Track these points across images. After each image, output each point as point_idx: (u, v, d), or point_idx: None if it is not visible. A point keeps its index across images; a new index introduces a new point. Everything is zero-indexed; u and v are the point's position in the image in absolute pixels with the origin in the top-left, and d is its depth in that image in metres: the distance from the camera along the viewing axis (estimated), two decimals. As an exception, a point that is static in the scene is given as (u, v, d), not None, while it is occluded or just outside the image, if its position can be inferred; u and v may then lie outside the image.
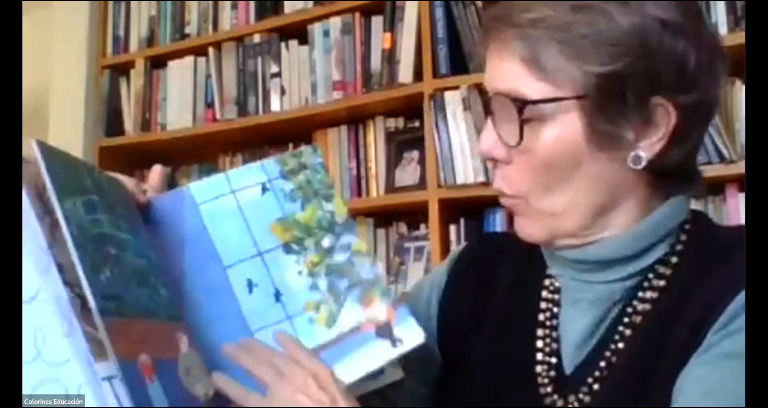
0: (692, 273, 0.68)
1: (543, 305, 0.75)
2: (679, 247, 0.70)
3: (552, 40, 0.64)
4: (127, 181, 0.72)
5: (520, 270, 0.80)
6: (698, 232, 0.71)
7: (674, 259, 0.70)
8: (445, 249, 1.99)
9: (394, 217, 2.21)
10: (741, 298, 0.61)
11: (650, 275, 0.69)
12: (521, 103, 0.65)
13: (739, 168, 1.64)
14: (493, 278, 0.81)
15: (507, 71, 0.67)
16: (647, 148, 0.66)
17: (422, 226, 2.15)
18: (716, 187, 1.75)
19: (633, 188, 0.69)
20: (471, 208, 2.01)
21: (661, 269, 0.69)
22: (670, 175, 0.70)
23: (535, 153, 0.67)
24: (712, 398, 0.59)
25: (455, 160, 1.95)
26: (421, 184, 2.05)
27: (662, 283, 0.69)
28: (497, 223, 1.97)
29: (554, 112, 0.66)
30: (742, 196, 1.71)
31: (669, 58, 0.64)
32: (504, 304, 0.79)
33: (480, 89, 0.76)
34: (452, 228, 2.01)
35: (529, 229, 0.71)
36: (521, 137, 0.66)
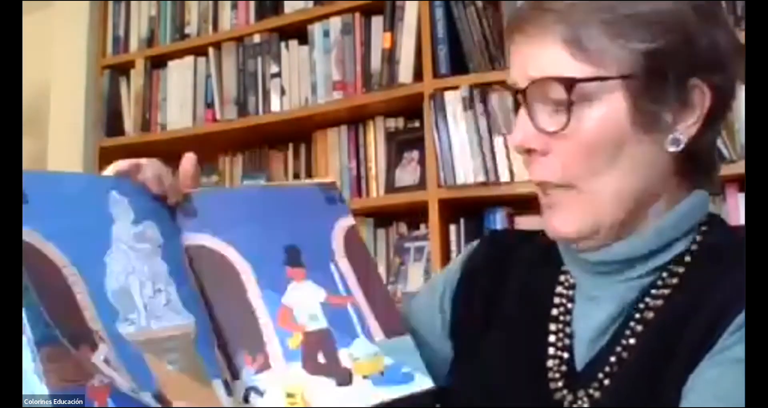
0: (705, 272, 0.68)
1: (557, 300, 0.75)
2: (693, 247, 0.71)
3: (594, 21, 0.65)
4: (150, 178, 0.70)
5: (533, 267, 0.80)
6: (712, 232, 0.72)
7: (687, 258, 0.70)
8: (445, 249, 1.99)
9: (394, 217, 2.21)
10: None
11: (664, 274, 0.70)
12: (570, 82, 0.65)
13: (739, 168, 1.64)
14: (506, 275, 0.82)
15: (548, 56, 0.67)
16: (684, 131, 0.68)
17: (422, 226, 2.15)
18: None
19: (666, 176, 0.70)
20: (471, 208, 2.01)
21: (674, 268, 0.70)
22: (696, 164, 0.71)
23: (580, 136, 0.67)
24: (722, 402, 0.59)
25: (455, 160, 1.95)
26: (421, 184, 2.05)
27: (675, 280, 0.69)
28: (497, 223, 1.97)
29: (600, 93, 0.66)
30: (742, 196, 1.71)
31: (704, 40, 0.67)
32: (517, 299, 0.79)
33: (499, 86, 0.75)
34: (452, 228, 2.01)
35: (568, 226, 0.70)
36: (569, 119, 0.66)
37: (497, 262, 0.83)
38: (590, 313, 0.72)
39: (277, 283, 0.74)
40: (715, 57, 0.68)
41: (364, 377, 0.71)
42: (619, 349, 0.69)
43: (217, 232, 0.74)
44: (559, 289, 0.76)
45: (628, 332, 0.69)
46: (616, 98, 0.66)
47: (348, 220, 0.82)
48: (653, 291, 0.70)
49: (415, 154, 2.11)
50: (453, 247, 1.99)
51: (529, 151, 0.70)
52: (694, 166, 0.71)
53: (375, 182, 2.17)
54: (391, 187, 2.13)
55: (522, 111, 0.69)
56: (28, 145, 2.51)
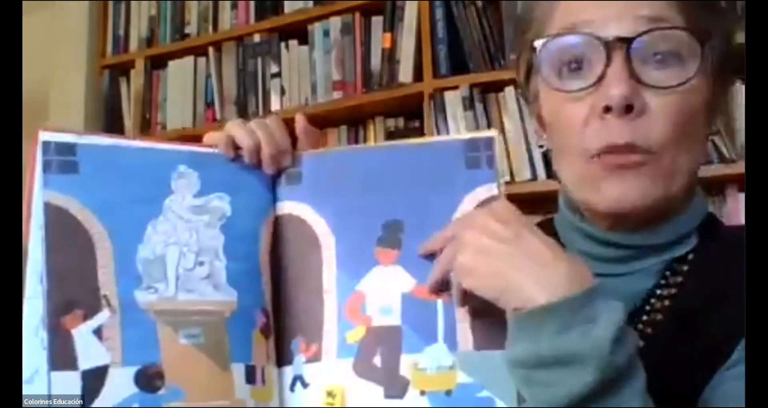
0: (713, 273, 0.67)
1: None
2: (696, 245, 0.70)
3: None
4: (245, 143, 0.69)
5: None
6: (711, 231, 0.72)
7: (690, 256, 0.70)
8: (445, 249, 1.99)
9: (394, 217, 2.21)
10: None
11: (668, 273, 0.69)
12: (706, 35, 0.64)
13: (739, 168, 1.64)
14: None
15: (657, 8, 0.65)
16: (718, 121, 0.70)
17: (422, 226, 2.14)
18: (716, 187, 1.75)
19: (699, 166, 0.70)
20: (471, 208, 2.01)
21: (679, 267, 0.69)
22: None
23: (687, 96, 0.64)
24: None
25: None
26: (421, 184, 2.05)
27: (680, 279, 0.69)
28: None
29: (706, 54, 0.65)
30: (742, 196, 1.71)
31: (734, 39, 0.69)
32: None
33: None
34: (452, 228, 2.01)
35: (636, 191, 0.65)
36: (695, 74, 0.63)
37: None
38: None
39: (359, 265, 0.66)
40: (736, 56, 0.69)
41: (422, 393, 0.62)
42: None
43: (314, 203, 0.69)
44: None
45: (637, 335, 0.68)
46: (707, 67, 0.66)
47: (488, 191, 0.66)
48: (659, 291, 0.69)
49: (415, 154, 2.10)
50: (453, 247, 1.99)
51: (627, 109, 0.63)
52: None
53: (375, 182, 2.17)
54: (391, 187, 2.12)
55: (620, 63, 0.63)
56: (29, 145, 2.51)
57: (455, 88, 1.98)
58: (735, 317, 0.62)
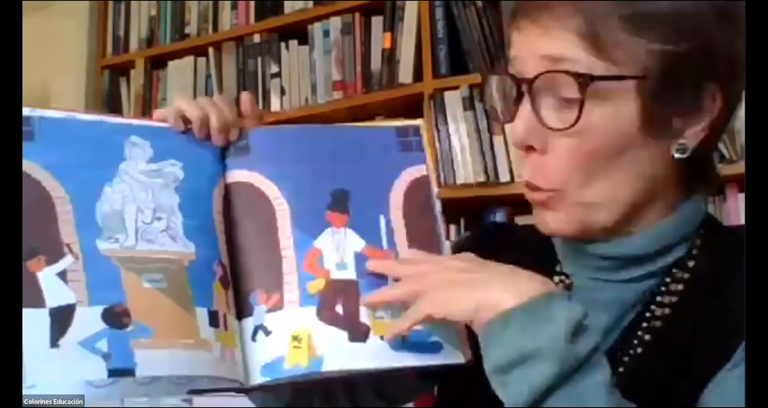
0: (712, 278, 0.67)
1: None
2: (695, 251, 0.70)
3: (613, 16, 0.62)
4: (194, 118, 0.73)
5: (525, 263, 0.79)
6: (712, 236, 0.71)
7: (691, 263, 0.69)
8: (445, 249, 1.99)
9: (394, 217, 2.21)
10: None
11: (667, 279, 0.69)
12: (586, 79, 0.61)
13: (739, 168, 1.64)
14: None
15: (562, 48, 0.63)
16: (692, 137, 0.66)
17: (422, 226, 2.14)
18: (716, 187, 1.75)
19: (667, 182, 0.68)
20: (471, 208, 2.01)
21: (679, 274, 0.69)
22: (697, 170, 0.70)
23: (585, 136, 0.63)
24: None
25: (455, 160, 1.95)
26: (421, 184, 2.05)
27: (680, 286, 0.68)
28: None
29: (612, 92, 0.63)
30: (742, 196, 1.71)
31: (723, 45, 0.64)
32: None
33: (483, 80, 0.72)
34: (452, 228, 2.01)
35: (558, 224, 0.68)
36: (579, 117, 0.62)
37: (489, 257, 0.82)
38: (589, 318, 0.71)
39: (313, 225, 0.71)
40: (733, 63, 0.65)
41: (381, 338, 0.67)
42: (626, 359, 0.67)
43: (264, 171, 0.73)
44: None
45: (636, 342, 0.68)
46: (627, 99, 0.63)
47: (419, 171, 0.76)
48: (659, 298, 0.68)
49: (415, 154, 2.11)
50: (453, 247, 1.99)
51: (528, 149, 0.66)
52: (695, 172, 0.70)
53: (375, 182, 2.17)
54: (391, 187, 2.13)
55: (525, 104, 0.65)
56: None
57: (455, 88, 1.98)
58: (736, 321, 0.61)
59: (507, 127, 0.72)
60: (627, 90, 0.63)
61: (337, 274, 0.70)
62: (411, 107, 2.10)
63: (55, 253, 0.62)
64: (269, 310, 0.68)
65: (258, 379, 0.66)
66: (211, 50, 2.46)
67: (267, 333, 0.68)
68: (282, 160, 0.74)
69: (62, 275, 0.62)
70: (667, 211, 0.69)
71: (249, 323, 0.68)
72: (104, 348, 0.59)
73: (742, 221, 1.67)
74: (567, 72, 0.62)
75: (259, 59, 2.36)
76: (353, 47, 2.20)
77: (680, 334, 0.66)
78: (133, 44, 2.64)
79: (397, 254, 0.72)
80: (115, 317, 0.61)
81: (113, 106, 2.63)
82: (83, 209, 0.65)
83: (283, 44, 2.34)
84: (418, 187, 0.76)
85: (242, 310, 0.69)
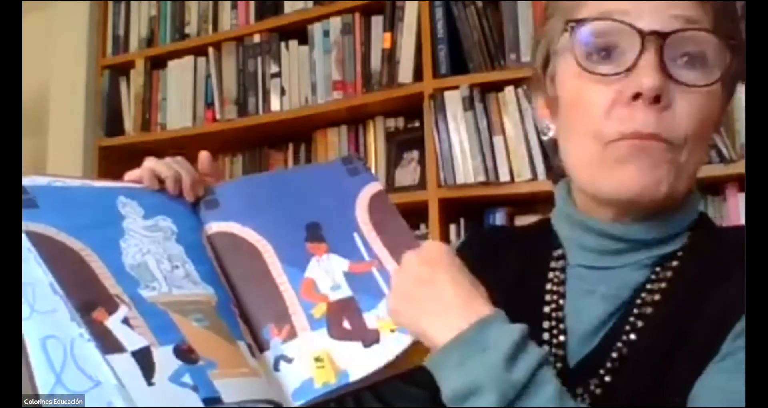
0: (701, 268, 0.68)
1: (548, 297, 0.75)
2: (687, 242, 0.71)
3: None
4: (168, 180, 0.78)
5: (521, 265, 0.80)
6: (703, 229, 0.73)
7: (681, 253, 0.71)
8: (445, 249, 1.99)
9: (394, 217, 2.21)
10: None
11: (657, 268, 0.70)
12: (735, 43, 0.66)
13: (739, 168, 1.64)
14: (492, 273, 0.79)
15: (693, 11, 0.66)
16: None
17: (422, 226, 2.14)
18: (716, 187, 1.75)
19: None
20: (471, 208, 2.01)
21: (669, 262, 0.70)
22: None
23: (710, 98, 0.67)
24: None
25: (455, 160, 1.95)
26: (421, 184, 2.05)
27: (669, 274, 0.70)
28: (497, 223, 1.97)
29: (727, 57, 0.66)
30: (742, 196, 1.71)
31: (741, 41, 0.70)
32: (506, 298, 0.77)
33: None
34: (452, 228, 2.01)
35: (649, 179, 0.66)
36: (722, 77, 0.66)
37: (482, 261, 0.81)
38: (585, 308, 0.72)
39: (299, 259, 0.77)
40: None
41: (392, 331, 0.71)
42: (619, 344, 0.68)
43: (239, 220, 0.79)
44: (549, 286, 0.76)
45: (627, 328, 0.69)
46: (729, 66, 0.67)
47: (374, 187, 0.85)
48: (649, 285, 0.70)
49: (415, 154, 2.11)
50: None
51: (657, 99, 0.65)
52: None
53: (375, 182, 2.17)
54: (391, 187, 2.13)
55: (652, 56, 0.65)
56: (28, 145, 2.51)
57: (455, 88, 1.98)
58: (721, 312, 0.63)
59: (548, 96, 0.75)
60: (731, 61, 0.66)
61: (334, 296, 0.75)
62: (411, 107, 2.10)
63: (110, 304, 0.65)
64: (285, 341, 0.73)
65: (293, 403, 0.70)
66: (211, 50, 2.46)
67: (289, 361, 0.72)
68: (252, 208, 0.81)
69: (125, 322, 0.65)
70: (680, 203, 0.71)
71: (268, 356, 0.73)
72: (189, 381, 0.63)
73: (742, 221, 1.68)
74: (717, 33, 0.66)
75: (259, 59, 2.36)
76: (353, 47, 2.20)
77: (671, 320, 0.67)
78: (133, 44, 2.64)
79: (379, 261, 0.77)
80: (185, 354, 0.65)
81: (113, 106, 2.63)
82: (112, 263, 0.69)
83: (283, 44, 2.34)
84: (378, 199, 0.83)
85: (259, 345, 0.74)
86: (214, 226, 0.80)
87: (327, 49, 2.24)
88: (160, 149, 2.62)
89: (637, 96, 0.65)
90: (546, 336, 0.73)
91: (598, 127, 0.67)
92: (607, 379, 0.67)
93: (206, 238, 0.79)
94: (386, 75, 2.12)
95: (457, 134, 1.96)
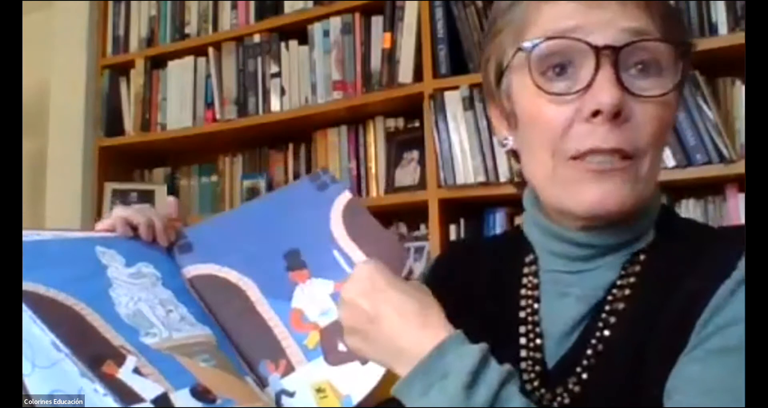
0: (667, 261, 0.69)
1: (523, 303, 0.76)
2: (652, 238, 0.72)
3: (662, 6, 0.68)
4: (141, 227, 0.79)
5: (495, 272, 0.81)
6: (667, 222, 0.74)
7: (647, 247, 0.72)
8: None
9: (394, 217, 2.21)
10: (724, 290, 0.62)
11: (627, 264, 0.71)
12: (686, 47, 0.67)
13: (739, 168, 1.64)
14: (467, 284, 0.82)
15: (642, 23, 0.66)
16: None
17: (422, 226, 2.15)
18: (716, 187, 1.75)
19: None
20: (471, 208, 2.01)
21: (635, 258, 0.71)
22: None
23: (665, 106, 0.67)
24: (711, 396, 0.58)
25: (455, 160, 1.95)
26: (421, 184, 2.05)
27: (637, 268, 0.71)
28: (497, 223, 1.97)
29: (680, 63, 0.67)
30: (742, 196, 1.71)
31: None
32: (483, 306, 0.79)
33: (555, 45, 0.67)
34: (452, 228, 2.01)
35: (613, 196, 0.66)
36: (677, 86, 0.67)
37: (456, 275, 0.84)
38: (560, 310, 0.73)
39: (283, 290, 0.77)
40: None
41: None
42: (594, 341, 0.69)
43: (216, 260, 0.79)
44: (524, 291, 0.77)
45: (601, 325, 0.69)
46: (677, 74, 0.67)
47: (344, 196, 0.83)
48: (619, 282, 0.70)
49: (415, 154, 2.11)
50: (453, 247, 2.00)
51: (617, 114, 0.65)
52: None
53: (375, 182, 2.17)
54: (391, 187, 2.13)
55: (607, 71, 0.65)
56: (28, 145, 2.51)
57: (455, 88, 1.98)
58: (689, 303, 0.63)
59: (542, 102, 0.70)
60: (684, 69, 0.68)
61: (325, 321, 0.75)
62: (411, 107, 2.10)
63: (117, 356, 0.65)
64: (283, 375, 0.73)
65: None
66: (211, 50, 2.46)
67: (291, 395, 0.72)
68: (227, 247, 0.81)
69: (137, 371, 0.64)
70: (647, 205, 0.72)
71: (269, 392, 0.73)
72: None
73: (742, 221, 1.68)
74: (668, 41, 0.66)
75: (259, 59, 2.36)
76: (353, 47, 2.20)
77: (642, 314, 0.67)
78: (133, 44, 2.65)
79: None
80: (203, 395, 0.65)
81: (113, 106, 2.63)
82: (108, 315, 0.68)
83: (283, 44, 2.34)
84: (350, 209, 0.82)
85: (258, 383, 0.74)
86: (192, 270, 0.80)
87: (327, 49, 2.24)
88: (160, 149, 2.62)
89: (596, 113, 0.65)
90: (523, 340, 0.74)
91: (557, 145, 0.67)
92: (584, 376, 0.68)
93: (187, 281, 0.79)
94: (386, 75, 2.12)
95: (457, 134, 1.96)
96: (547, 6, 0.68)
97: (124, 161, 2.67)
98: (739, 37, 1.65)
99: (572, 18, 0.66)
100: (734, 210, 1.72)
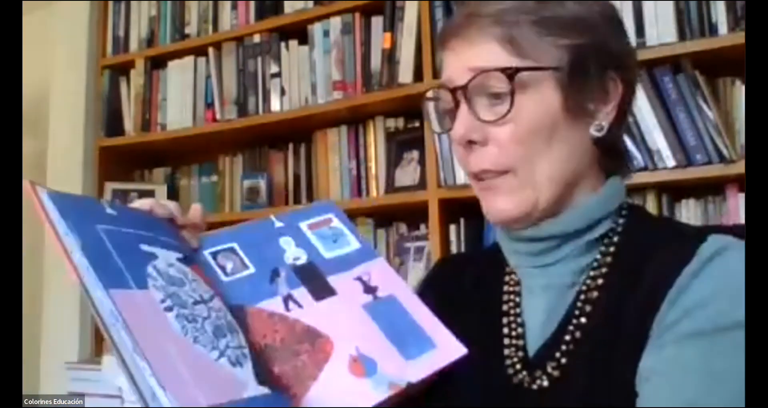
0: (635, 252, 0.75)
1: (505, 297, 0.83)
2: (620, 229, 0.78)
3: (525, 22, 0.74)
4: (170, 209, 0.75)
5: (481, 276, 0.88)
6: (634, 214, 0.80)
7: (616, 238, 0.77)
8: (445, 249, 1.99)
9: (394, 218, 2.21)
10: (688, 271, 0.67)
11: (597, 255, 0.77)
12: (512, 72, 0.72)
13: (739, 168, 1.64)
14: (456, 291, 0.88)
15: (487, 53, 0.74)
16: (604, 118, 0.77)
17: (422, 226, 2.15)
18: (716, 187, 1.75)
19: (590, 163, 0.78)
20: (471, 208, 1.99)
21: (606, 248, 0.77)
22: (612, 153, 0.80)
23: (518, 123, 0.74)
24: (689, 376, 0.63)
25: (455, 160, 1.95)
26: (421, 184, 2.05)
27: (609, 259, 0.76)
28: (497, 223, 1.97)
29: (534, 83, 0.73)
30: (742, 196, 1.71)
31: (613, 40, 0.77)
32: (471, 305, 0.85)
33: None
34: (452, 228, 2.01)
35: (507, 205, 0.76)
36: (512, 106, 0.73)
37: (450, 281, 0.91)
38: (533, 303, 0.79)
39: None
40: (623, 55, 0.78)
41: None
42: (572, 328, 0.74)
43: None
44: (506, 288, 0.84)
45: (577, 312, 0.75)
46: (548, 87, 0.74)
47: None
48: (592, 272, 0.76)
49: (415, 154, 2.11)
50: (453, 247, 2.00)
51: (470, 143, 0.76)
52: (610, 154, 0.80)
53: (375, 182, 2.17)
54: (391, 187, 2.13)
55: (462, 106, 0.75)
56: (28, 145, 2.51)
57: (455, 88, 1.98)
58: (656, 288, 0.69)
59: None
60: (547, 80, 0.74)
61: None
62: (411, 107, 2.10)
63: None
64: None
65: None
66: (211, 50, 2.46)
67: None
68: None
69: None
70: (591, 191, 0.78)
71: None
72: None
73: (742, 221, 1.68)
74: (495, 69, 0.73)
75: (259, 59, 2.36)
76: (353, 47, 2.20)
77: (613, 301, 0.73)
78: (133, 44, 2.65)
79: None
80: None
81: (113, 106, 2.63)
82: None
83: (283, 44, 2.34)
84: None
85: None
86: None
87: (327, 49, 2.24)
88: (160, 149, 2.62)
89: (459, 143, 0.76)
90: (506, 330, 0.80)
91: (462, 164, 0.80)
92: (563, 361, 0.73)
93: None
94: (386, 75, 2.12)
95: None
96: (443, 55, 0.79)
97: (125, 161, 2.67)
98: (739, 37, 1.65)
99: (448, 67, 0.78)
100: (734, 210, 1.72)
